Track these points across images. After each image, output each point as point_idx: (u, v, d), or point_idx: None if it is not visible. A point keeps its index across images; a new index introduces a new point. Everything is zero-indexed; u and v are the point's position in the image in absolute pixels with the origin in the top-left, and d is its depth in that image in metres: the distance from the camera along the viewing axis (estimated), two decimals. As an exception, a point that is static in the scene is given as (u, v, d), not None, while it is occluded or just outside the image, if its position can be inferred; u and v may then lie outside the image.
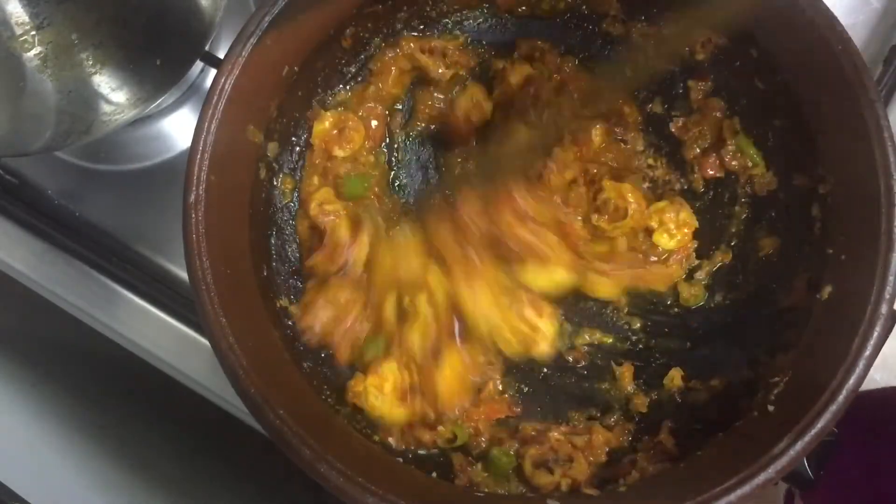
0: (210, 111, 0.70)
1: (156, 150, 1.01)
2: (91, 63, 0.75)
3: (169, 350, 0.93)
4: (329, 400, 0.74)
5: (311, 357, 0.76)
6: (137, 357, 0.93)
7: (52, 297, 0.94)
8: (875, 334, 0.60)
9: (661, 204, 0.82)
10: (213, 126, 0.69)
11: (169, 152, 1.00)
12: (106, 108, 0.81)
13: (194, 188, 0.68)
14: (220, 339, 0.65)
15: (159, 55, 0.80)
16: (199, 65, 0.98)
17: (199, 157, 0.69)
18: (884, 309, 0.60)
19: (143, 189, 0.99)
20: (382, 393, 0.75)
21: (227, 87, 0.70)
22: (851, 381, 0.59)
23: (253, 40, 0.71)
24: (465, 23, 0.89)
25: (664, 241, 0.82)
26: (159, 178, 0.99)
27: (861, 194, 0.65)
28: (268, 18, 0.71)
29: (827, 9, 0.66)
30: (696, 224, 0.82)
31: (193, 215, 0.68)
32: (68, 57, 0.73)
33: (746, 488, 0.59)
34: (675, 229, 0.81)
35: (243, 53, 0.70)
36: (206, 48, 0.91)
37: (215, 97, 0.70)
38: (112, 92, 0.80)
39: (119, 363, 0.96)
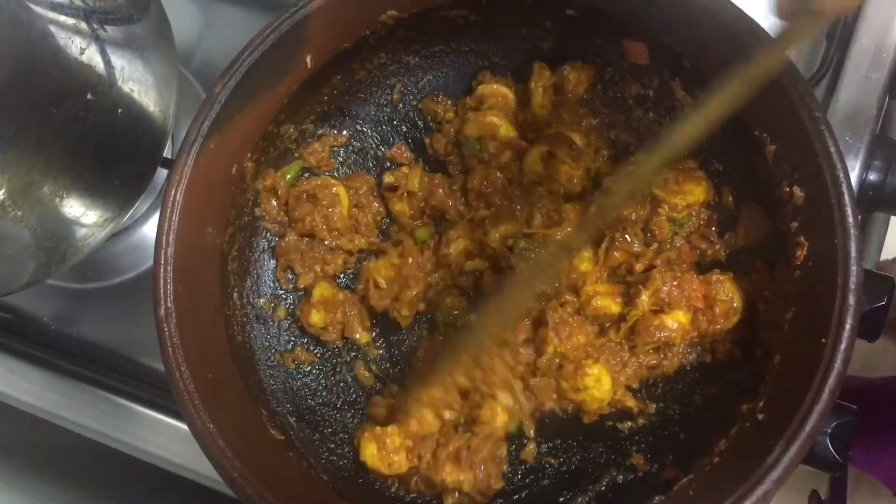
0: (166, 224, 0.71)
1: (139, 259, 1.03)
2: (51, 197, 0.77)
3: (185, 455, 0.94)
4: (328, 484, 0.75)
5: (308, 449, 0.77)
6: (153, 465, 0.95)
7: (62, 422, 0.96)
8: (848, 326, 0.59)
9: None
10: (171, 238, 0.71)
11: (151, 260, 1.02)
12: (77, 234, 0.83)
13: (163, 301, 0.70)
14: (210, 445, 0.67)
15: (116, 176, 0.82)
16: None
17: (162, 270, 0.71)
18: (851, 300, 0.60)
19: (133, 299, 1.02)
20: None
21: (178, 198, 0.72)
22: (832, 378, 0.58)
23: (196, 147, 0.72)
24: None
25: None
26: (146, 287, 0.99)
27: (814, 191, 0.65)
28: (207, 123, 0.73)
29: (740, 11, 0.66)
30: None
31: (166, 328, 0.70)
32: (27, 197, 0.75)
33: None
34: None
35: (188, 162, 0.72)
36: (167, 153, 0.94)
37: (168, 209, 0.71)
38: (79, 219, 0.81)
39: (134, 470, 0.97)
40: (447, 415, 0.80)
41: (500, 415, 0.78)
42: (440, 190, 0.85)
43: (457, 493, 0.77)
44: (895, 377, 1.19)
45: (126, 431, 0.95)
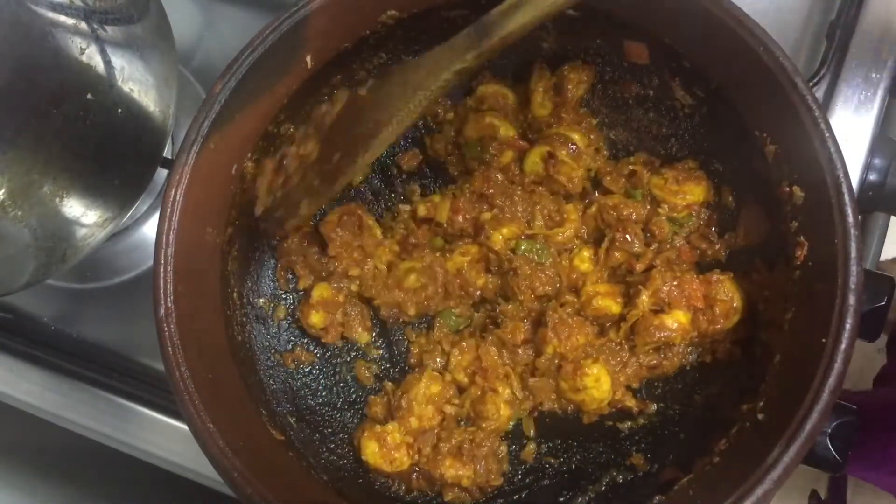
0: (166, 224, 0.71)
1: (138, 259, 1.03)
2: (51, 197, 0.77)
3: (185, 455, 0.94)
4: (328, 483, 0.75)
5: (308, 449, 0.77)
6: (153, 465, 0.95)
7: (62, 422, 0.96)
8: (848, 326, 0.59)
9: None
10: (171, 238, 0.71)
11: (151, 260, 1.02)
12: (76, 234, 0.83)
13: (163, 301, 0.70)
14: (210, 445, 0.67)
15: (116, 176, 0.82)
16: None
17: (162, 270, 0.71)
18: (851, 300, 0.60)
19: (133, 300, 1.02)
20: None
21: (178, 197, 0.72)
22: (832, 378, 0.58)
23: (196, 147, 0.72)
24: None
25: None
26: (146, 287, 0.99)
27: (814, 191, 0.65)
28: (207, 123, 0.73)
29: (740, 11, 0.66)
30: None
31: (166, 328, 0.70)
32: (27, 197, 0.75)
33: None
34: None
35: (188, 162, 0.72)
36: (167, 153, 0.94)
37: (168, 209, 0.71)
38: (79, 219, 0.81)
39: (134, 470, 0.98)
40: (448, 409, 0.80)
41: (503, 408, 0.78)
42: (459, 217, 0.85)
43: (456, 489, 0.77)
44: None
45: (126, 431, 0.95)
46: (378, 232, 0.86)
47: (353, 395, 0.85)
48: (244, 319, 0.81)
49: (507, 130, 0.85)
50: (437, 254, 0.85)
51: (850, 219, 0.62)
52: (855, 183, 0.85)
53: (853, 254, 0.60)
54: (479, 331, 0.84)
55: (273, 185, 0.81)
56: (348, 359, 0.87)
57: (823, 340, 0.60)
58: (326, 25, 0.75)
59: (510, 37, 0.66)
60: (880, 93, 0.87)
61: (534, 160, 0.84)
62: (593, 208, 0.83)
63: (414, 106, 0.70)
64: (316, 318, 0.83)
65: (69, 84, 0.74)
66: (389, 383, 0.84)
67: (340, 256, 0.85)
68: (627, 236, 0.80)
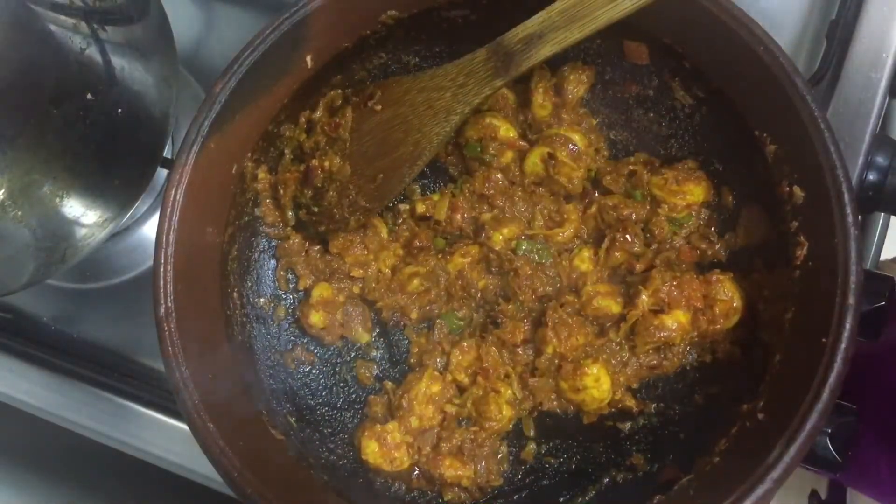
0: (166, 224, 0.71)
1: (138, 259, 1.03)
2: (51, 197, 0.77)
3: (185, 455, 0.94)
4: (328, 483, 0.75)
5: (308, 449, 0.77)
6: (153, 465, 0.95)
7: (62, 422, 0.96)
8: (848, 326, 0.59)
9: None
10: (171, 238, 0.71)
11: (151, 260, 1.02)
12: (76, 234, 0.83)
13: (163, 301, 0.70)
14: (211, 444, 0.67)
15: (116, 176, 0.82)
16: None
17: (162, 269, 0.71)
18: (851, 300, 0.60)
19: (133, 299, 1.02)
20: None
21: (178, 198, 0.72)
22: (832, 378, 0.58)
23: (196, 147, 0.72)
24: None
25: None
26: (146, 287, 0.99)
27: (814, 191, 0.65)
28: (207, 123, 0.73)
29: (740, 11, 0.66)
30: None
31: (166, 328, 0.70)
32: (27, 197, 0.75)
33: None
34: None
35: (188, 162, 0.72)
36: (167, 153, 0.94)
37: (168, 209, 0.71)
38: (79, 219, 0.81)
39: (134, 470, 0.97)
40: (448, 409, 0.80)
41: (505, 409, 0.78)
42: (458, 216, 0.85)
43: (456, 489, 0.77)
44: None
45: (126, 431, 0.95)
46: (384, 231, 0.87)
47: (353, 395, 0.85)
48: (244, 319, 0.81)
49: (507, 131, 0.85)
50: (440, 256, 0.86)
51: (850, 219, 0.62)
52: (855, 183, 0.85)
53: (853, 254, 0.61)
54: (479, 331, 0.84)
55: (298, 198, 0.83)
56: (348, 359, 0.87)
57: (823, 340, 0.60)
58: (327, 25, 0.75)
59: (538, 65, 0.72)
60: (880, 93, 0.87)
61: (534, 160, 0.84)
62: (593, 208, 0.83)
63: (450, 128, 0.76)
64: (316, 318, 0.83)
65: (69, 84, 0.74)
66: (390, 383, 0.84)
67: (343, 253, 0.85)
68: (627, 236, 0.80)
